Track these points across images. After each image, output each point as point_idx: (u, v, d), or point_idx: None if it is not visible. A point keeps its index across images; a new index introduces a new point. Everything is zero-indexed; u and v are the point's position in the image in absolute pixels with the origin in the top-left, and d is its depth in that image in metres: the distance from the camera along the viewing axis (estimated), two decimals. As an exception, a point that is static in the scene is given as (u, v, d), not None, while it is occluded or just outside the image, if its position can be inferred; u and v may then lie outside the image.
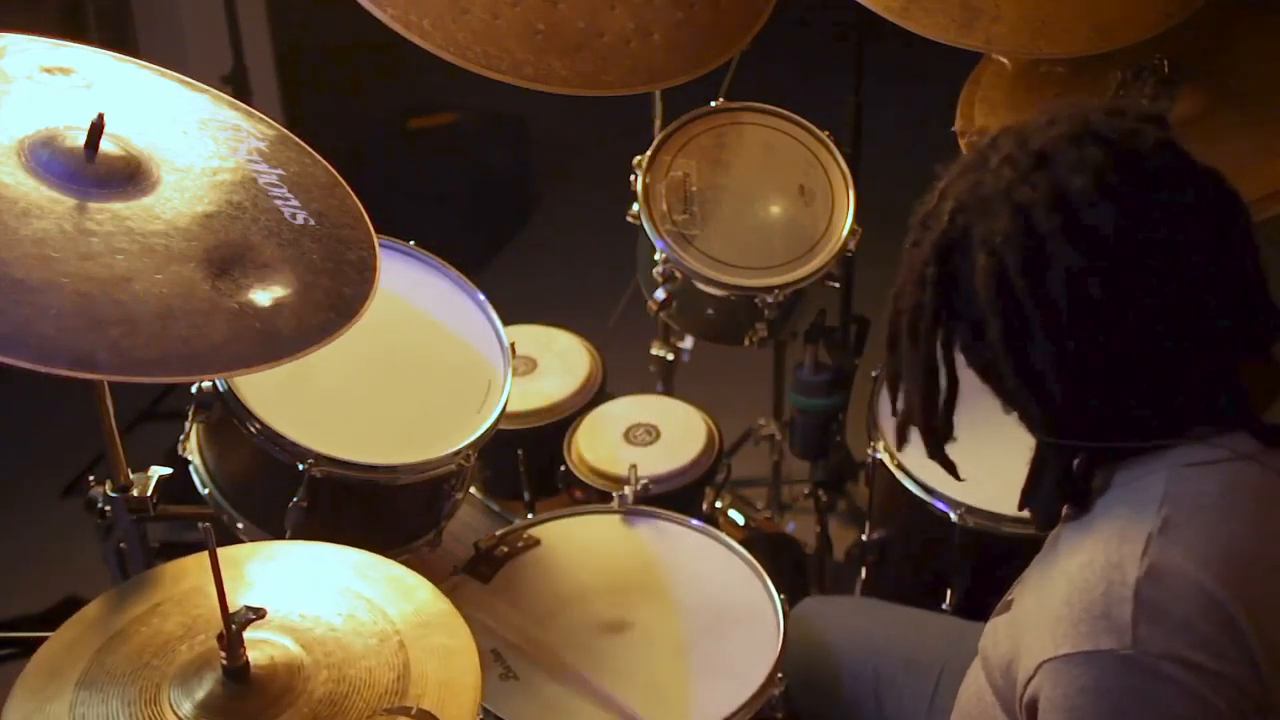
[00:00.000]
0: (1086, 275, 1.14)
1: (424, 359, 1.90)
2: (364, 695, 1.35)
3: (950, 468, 1.33)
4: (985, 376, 1.25)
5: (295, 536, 1.71)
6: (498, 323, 1.95)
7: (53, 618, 1.44)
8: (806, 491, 2.58)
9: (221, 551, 1.31)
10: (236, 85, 3.08)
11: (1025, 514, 1.90)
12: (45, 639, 1.41)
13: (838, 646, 1.78)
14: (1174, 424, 1.21)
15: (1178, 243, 1.15)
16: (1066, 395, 1.20)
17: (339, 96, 4.07)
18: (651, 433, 2.24)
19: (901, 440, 1.32)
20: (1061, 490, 1.27)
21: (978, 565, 1.99)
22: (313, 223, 1.55)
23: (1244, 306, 1.19)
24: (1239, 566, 1.15)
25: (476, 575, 1.83)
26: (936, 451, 1.31)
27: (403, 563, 1.55)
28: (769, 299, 2.02)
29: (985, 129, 2.07)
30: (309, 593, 1.47)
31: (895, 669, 1.72)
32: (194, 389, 1.72)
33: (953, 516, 1.95)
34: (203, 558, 1.44)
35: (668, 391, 2.60)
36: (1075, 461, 1.26)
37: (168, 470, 1.68)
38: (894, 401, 1.31)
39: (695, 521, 1.91)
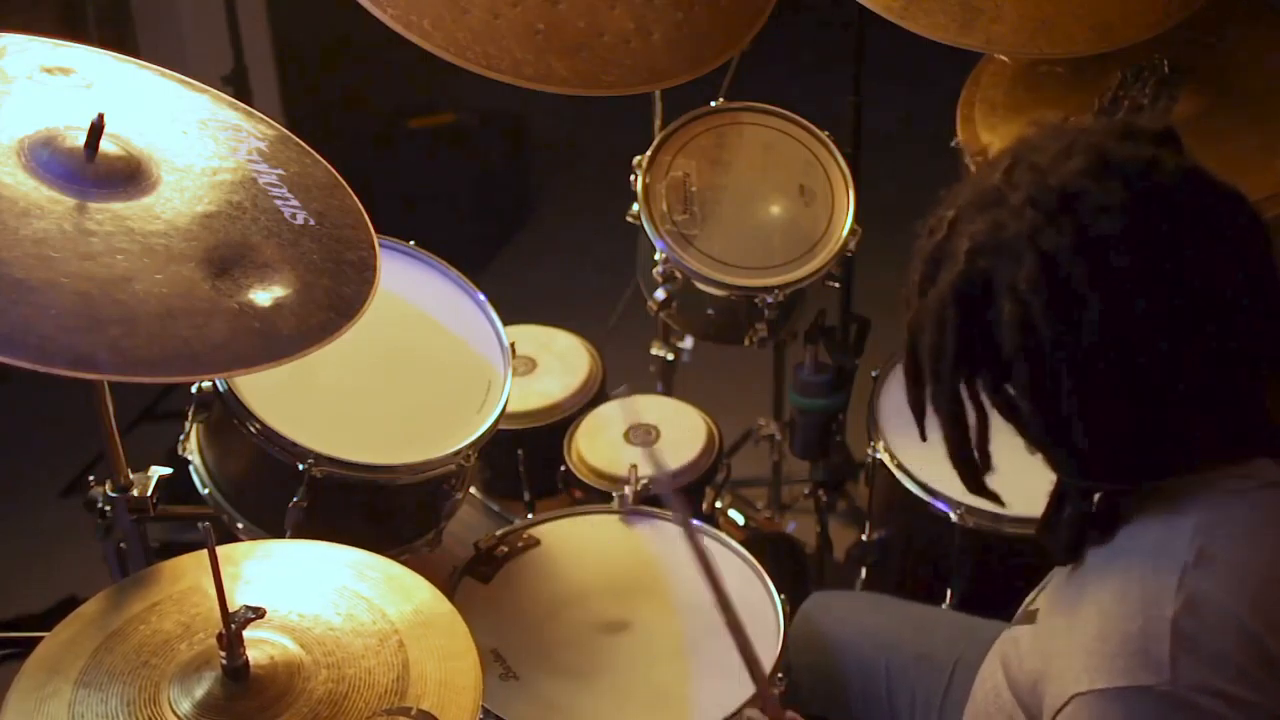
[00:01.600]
0: (1118, 320, 1.13)
1: (424, 359, 1.90)
2: (364, 695, 1.35)
3: (993, 497, 1.30)
4: (1009, 419, 1.23)
5: (295, 536, 1.71)
6: (498, 323, 1.95)
7: (52, 617, 1.44)
8: (806, 491, 2.58)
9: (220, 550, 1.31)
10: (236, 85, 3.08)
11: (1026, 514, 1.92)
12: (45, 638, 1.41)
13: (847, 642, 1.78)
14: (1199, 457, 1.20)
15: (1207, 276, 1.14)
16: (1093, 440, 1.18)
17: (339, 96, 4.06)
18: (651, 433, 2.24)
19: (970, 483, 1.29)
20: (1083, 526, 1.26)
21: (978, 565, 1.99)
22: (313, 223, 1.55)
23: (1270, 329, 1.18)
24: (1271, 598, 1.15)
25: (476, 575, 1.83)
26: (975, 485, 1.28)
27: (403, 563, 1.55)
28: (769, 299, 2.02)
29: (987, 148, 2.06)
30: (308, 592, 1.47)
31: (907, 664, 1.72)
32: (194, 389, 1.72)
33: (953, 516, 1.95)
34: (201, 557, 1.44)
35: (668, 391, 2.60)
36: (1096, 497, 1.25)
37: (168, 470, 1.68)
38: (920, 428, 1.28)
39: (695, 521, 1.91)
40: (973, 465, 1.26)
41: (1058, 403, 1.17)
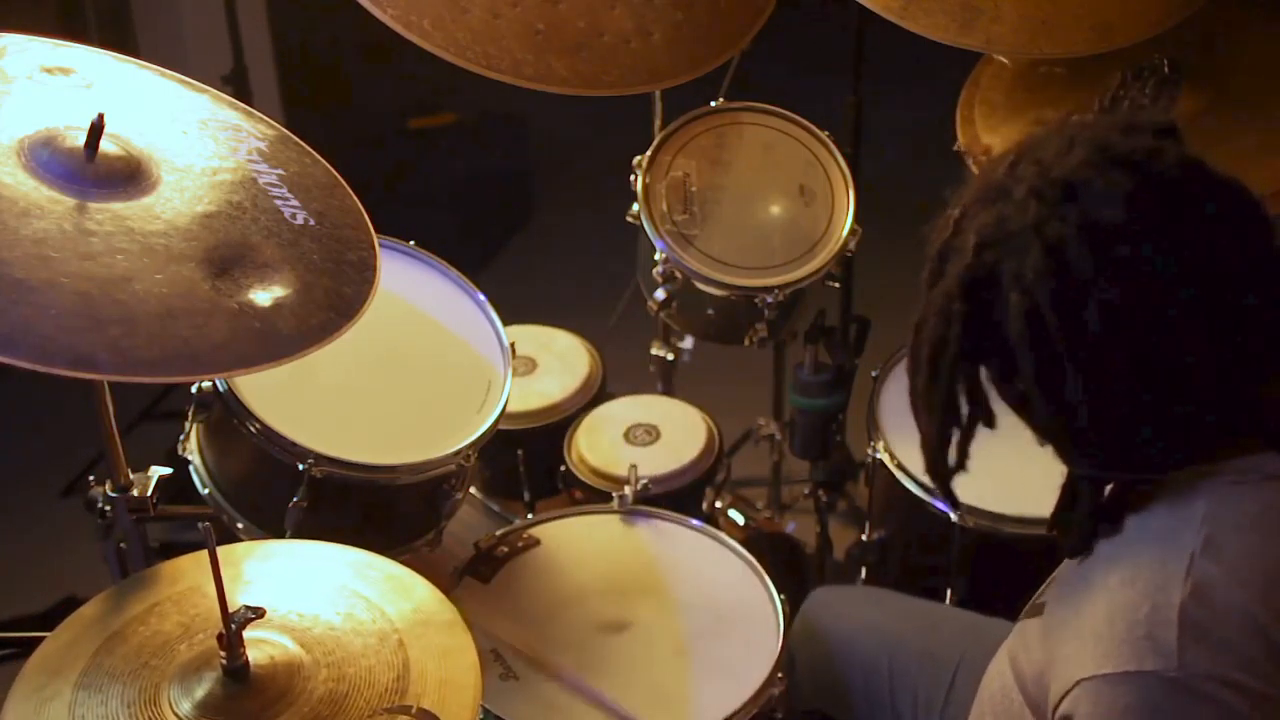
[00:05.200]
0: (1123, 308, 1.13)
1: (424, 359, 1.90)
2: (364, 694, 1.35)
3: (950, 496, 1.31)
4: (1018, 411, 1.23)
5: (295, 536, 1.71)
6: (498, 323, 1.95)
7: (52, 618, 1.44)
8: (806, 491, 2.58)
9: (220, 550, 1.31)
10: (236, 85, 3.08)
11: (1026, 514, 1.92)
12: (44, 639, 1.41)
13: (849, 638, 1.78)
14: (1206, 449, 1.20)
15: (1210, 264, 1.14)
16: (1100, 429, 1.19)
17: (339, 96, 4.06)
18: (651, 433, 2.24)
19: (937, 479, 1.29)
20: (1094, 518, 1.26)
21: (977, 565, 1.99)
22: (313, 223, 1.55)
23: (1275, 321, 1.18)
24: (1276, 589, 1.15)
25: (476, 575, 1.83)
26: (942, 483, 1.28)
27: (403, 563, 1.55)
28: (769, 299, 2.02)
29: (989, 148, 2.07)
30: (308, 592, 1.47)
31: (910, 661, 1.72)
32: (194, 389, 1.72)
33: (953, 516, 1.95)
34: (200, 557, 1.44)
35: (668, 391, 2.60)
36: (1108, 488, 1.25)
37: (168, 470, 1.68)
38: (920, 426, 1.28)
39: (695, 521, 1.91)
40: (945, 464, 1.26)
41: (1064, 392, 1.17)
